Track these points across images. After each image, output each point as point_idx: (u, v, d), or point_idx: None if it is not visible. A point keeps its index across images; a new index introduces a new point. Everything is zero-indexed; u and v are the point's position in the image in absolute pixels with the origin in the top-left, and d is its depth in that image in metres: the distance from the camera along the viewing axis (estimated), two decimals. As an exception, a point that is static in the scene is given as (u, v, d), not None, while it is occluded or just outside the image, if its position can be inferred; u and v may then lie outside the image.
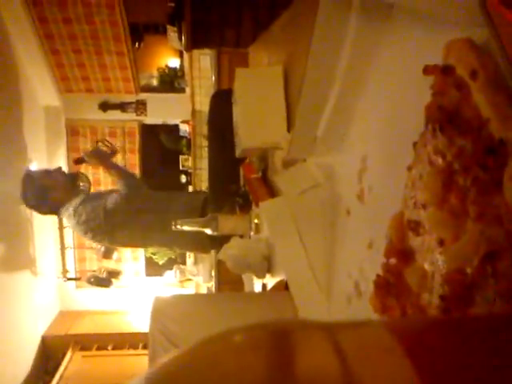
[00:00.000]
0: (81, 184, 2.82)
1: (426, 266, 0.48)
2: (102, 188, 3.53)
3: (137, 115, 4.89)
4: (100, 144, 2.76)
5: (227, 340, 0.25)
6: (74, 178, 2.73)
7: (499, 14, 0.38)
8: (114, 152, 2.71)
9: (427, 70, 0.49)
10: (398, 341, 0.23)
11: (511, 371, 0.23)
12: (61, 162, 4.75)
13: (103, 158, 2.62)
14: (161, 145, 5.24)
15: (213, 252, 2.85)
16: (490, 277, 0.38)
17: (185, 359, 0.25)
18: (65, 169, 4.65)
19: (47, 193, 2.56)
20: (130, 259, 5.20)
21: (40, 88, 4.47)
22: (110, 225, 2.45)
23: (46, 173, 2.70)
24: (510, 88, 0.40)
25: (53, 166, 4.63)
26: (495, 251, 0.38)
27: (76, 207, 2.48)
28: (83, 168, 3.94)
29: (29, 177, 2.66)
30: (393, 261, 0.54)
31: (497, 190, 0.40)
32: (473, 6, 0.41)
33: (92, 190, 3.09)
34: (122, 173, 2.55)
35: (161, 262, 5.09)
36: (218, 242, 2.15)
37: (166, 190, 2.87)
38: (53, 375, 4.01)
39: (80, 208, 2.47)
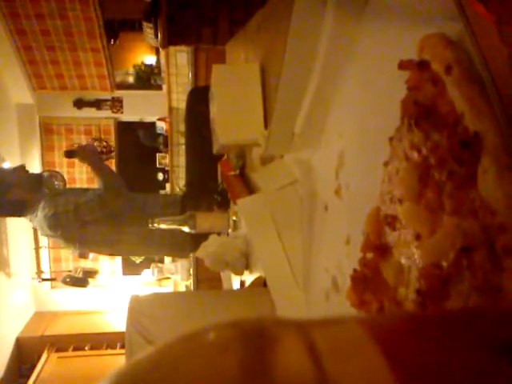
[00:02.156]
0: (55, 183, 2.74)
1: (403, 261, 0.49)
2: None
3: (113, 112, 4.83)
4: (97, 143, 2.70)
5: (197, 339, 0.24)
6: (38, 178, 2.58)
7: (473, 8, 0.38)
8: (109, 153, 2.65)
9: (402, 65, 0.49)
10: (372, 338, 0.23)
11: (485, 365, 0.23)
12: (35, 160, 4.67)
13: (95, 154, 2.53)
14: (137, 142, 5.18)
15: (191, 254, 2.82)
16: (465, 270, 0.38)
17: (153, 359, 0.24)
18: (40, 167, 4.59)
19: (8, 191, 2.40)
20: (107, 258, 5.14)
21: (12, 85, 4.38)
22: (79, 224, 2.33)
23: (7, 171, 2.57)
24: (484, 82, 0.41)
25: (27, 165, 4.55)
26: (471, 245, 0.38)
27: (44, 203, 2.36)
28: (68, 163, 3.84)
29: None
30: (370, 255, 0.54)
31: (472, 184, 0.40)
32: (447, 1, 0.42)
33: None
34: (107, 174, 2.45)
35: (138, 261, 5.04)
36: (195, 244, 2.13)
37: (142, 192, 2.78)
38: (28, 377, 3.93)
39: (49, 202, 2.35)
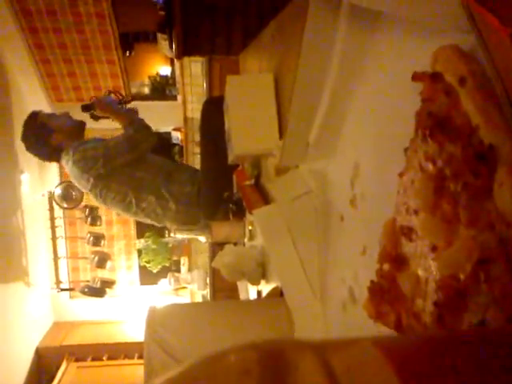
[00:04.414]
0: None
1: (420, 272, 0.48)
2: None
3: (129, 123, 4.87)
4: (112, 94, 2.64)
5: (219, 362, 0.25)
6: (80, 125, 2.56)
7: (484, 20, 0.38)
8: (126, 101, 2.59)
9: (416, 77, 0.49)
10: (388, 361, 0.23)
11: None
12: (53, 172, 4.73)
13: (113, 104, 2.50)
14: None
15: (207, 258, 2.81)
16: (482, 283, 0.38)
17: (177, 383, 0.25)
18: (58, 178, 4.65)
19: (50, 135, 2.41)
20: (124, 268, 5.18)
21: (31, 98, 4.46)
22: (107, 170, 2.31)
23: (52, 115, 2.56)
24: (498, 94, 0.41)
25: (45, 177, 4.63)
26: (488, 257, 0.38)
27: (77, 146, 2.35)
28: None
29: (32, 117, 2.48)
30: (386, 267, 0.54)
31: (488, 196, 0.40)
32: (459, 13, 0.42)
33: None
34: (132, 116, 2.41)
35: (155, 271, 5.07)
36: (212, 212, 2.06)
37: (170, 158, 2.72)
38: (48, 387, 3.98)
39: (81, 147, 2.34)
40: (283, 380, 0.22)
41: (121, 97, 2.64)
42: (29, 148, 2.53)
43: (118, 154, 2.30)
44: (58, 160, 2.54)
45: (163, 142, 5.05)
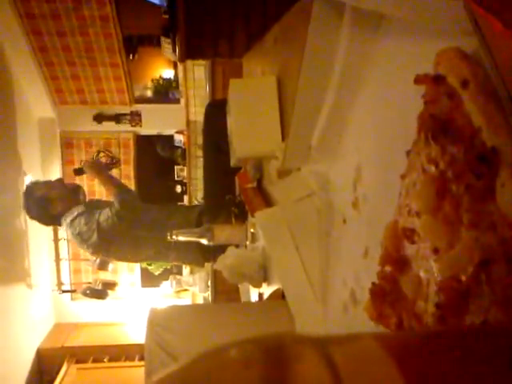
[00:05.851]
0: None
1: (422, 274, 0.49)
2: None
3: (132, 126, 4.90)
4: (101, 154, 2.79)
5: (221, 356, 0.25)
6: (75, 190, 2.73)
7: (487, 22, 0.39)
8: (114, 163, 2.74)
9: (418, 80, 0.49)
10: (389, 354, 0.23)
11: (499, 378, 0.23)
12: (56, 174, 4.74)
13: (102, 170, 2.64)
14: (156, 155, 5.25)
15: (207, 264, 2.85)
16: (484, 284, 0.38)
17: (179, 376, 0.25)
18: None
19: (48, 204, 2.58)
20: (126, 270, 5.18)
21: (34, 100, 4.48)
22: (104, 240, 2.48)
23: (47, 185, 2.73)
24: (500, 96, 0.41)
25: (48, 178, 4.63)
26: (489, 258, 0.38)
27: (73, 219, 2.51)
28: (82, 179, 3.93)
29: (30, 189, 2.68)
30: (388, 268, 0.54)
31: (490, 198, 0.40)
32: (462, 15, 0.42)
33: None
34: (117, 188, 2.56)
35: (157, 273, 5.07)
36: (212, 254, 2.17)
37: (161, 204, 2.88)
38: (48, 389, 3.97)
39: (76, 221, 2.50)
40: (285, 372, 0.22)
41: (110, 154, 2.82)
42: (32, 217, 2.72)
43: (110, 227, 2.44)
44: (59, 224, 2.70)
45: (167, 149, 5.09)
